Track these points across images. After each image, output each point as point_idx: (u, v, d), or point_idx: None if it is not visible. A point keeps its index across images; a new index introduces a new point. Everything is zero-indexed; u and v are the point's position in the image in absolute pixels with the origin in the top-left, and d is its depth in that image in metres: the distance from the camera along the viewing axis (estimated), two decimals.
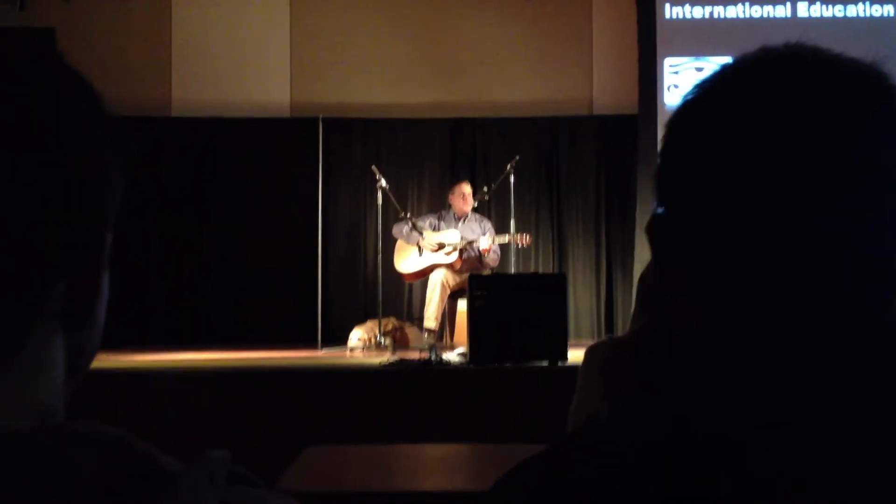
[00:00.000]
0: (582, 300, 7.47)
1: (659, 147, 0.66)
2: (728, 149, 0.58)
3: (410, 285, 7.15)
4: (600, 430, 0.61)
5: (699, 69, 7.21)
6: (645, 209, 7.03)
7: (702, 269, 0.61)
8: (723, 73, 0.63)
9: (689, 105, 0.63)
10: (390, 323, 6.31)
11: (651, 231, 0.65)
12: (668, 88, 7.25)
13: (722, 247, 0.59)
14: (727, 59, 0.65)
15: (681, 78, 7.24)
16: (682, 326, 0.63)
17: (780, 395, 0.55)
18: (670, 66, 7.26)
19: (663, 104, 7.22)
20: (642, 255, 7.01)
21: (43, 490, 0.44)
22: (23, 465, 0.44)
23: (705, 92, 0.63)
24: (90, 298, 0.55)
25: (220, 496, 0.48)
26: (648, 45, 7.21)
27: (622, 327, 7.33)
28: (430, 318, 5.92)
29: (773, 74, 0.60)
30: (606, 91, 7.68)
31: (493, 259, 6.08)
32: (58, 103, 0.52)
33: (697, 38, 7.14)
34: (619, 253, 7.55)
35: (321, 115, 7.33)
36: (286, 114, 7.65)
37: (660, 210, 0.65)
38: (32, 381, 0.51)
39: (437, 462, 2.86)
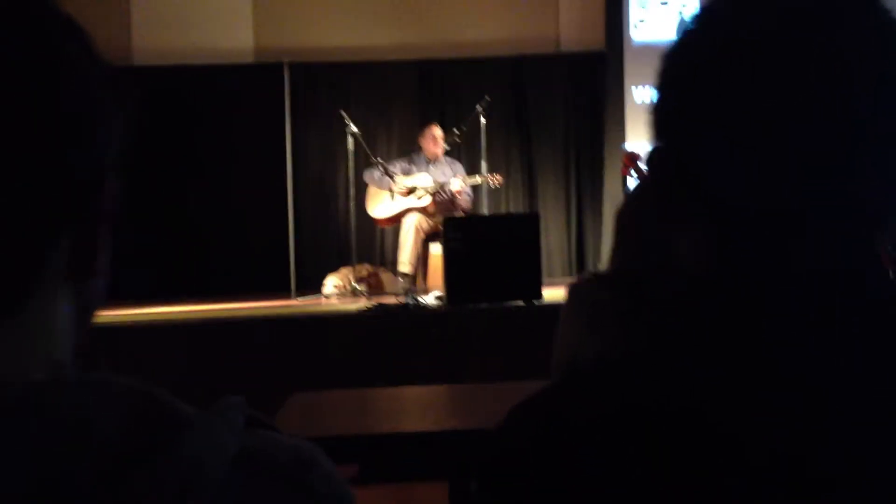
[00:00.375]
0: (553, 239, 7.51)
1: (655, 80, 0.64)
2: (735, 87, 0.57)
3: (383, 230, 7.14)
4: (594, 375, 0.60)
5: (664, 3, 7.17)
6: (612, 146, 7.05)
7: (707, 203, 0.60)
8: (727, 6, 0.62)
9: (689, 36, 0.62)
10: (364, 269, 6.31)
11: (652, 164, 0.64)
12: (635, 25, 7.21)
13: (727, 182, 0.58)
14: None
15: (647, 13, 7.20)
16: (687, 262, 0.63)
17: (780, 358, 0.54)
18: (637, 0, 7.21)
19: (630, 39, 7.18)
20: (611, 191, 7.04)
21: (68, 440, 0.44)
22: (46, 415, 0.44)
23: (708, 23, 0.61)
24: (94, 251, 0.54)
25: (240, 440, 0.48)
26: None
27: (593, 264, 7.40)
28: (405, 263, 5.93)
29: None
30: (573, 28, 7.62)
31: (465, 201, 6.08)
32: (57, 50, 0.51)
33: None
34: (589, 190, 7.58)
35: (286, 61, 7.20)
36: (250, 59, 7.51)
37: (657, 143, 0.64)
38: (41, 335, 0.51)
39: (419, 403, 2.90)
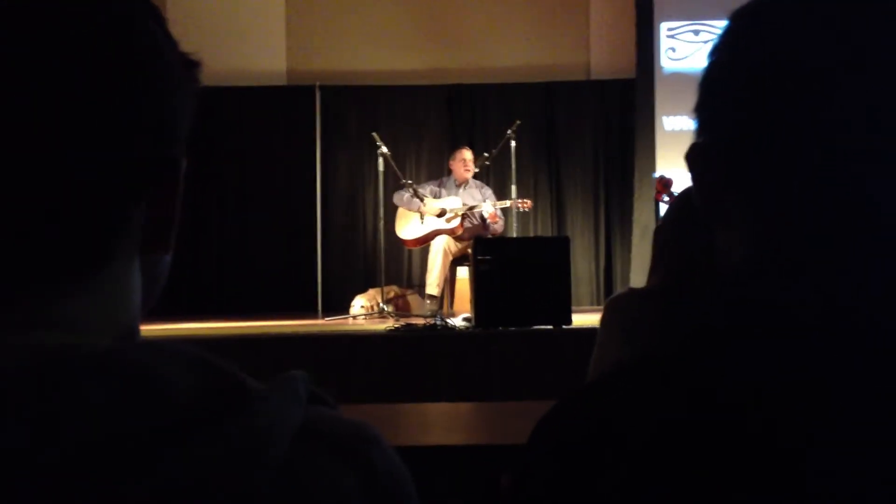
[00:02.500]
0: (581, 266, 7.47)
1: (701, 78, 0.65)
2: (778, 73, 0.58)
3: (410, 253, 7.15)
4: (636, 369, 0.59)
5: (696, 32, 7.18)
6: (643, 173, 7.03)
7: (749, 197, 0.60)
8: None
9: (727, 35, 0.62)
10: (392, 290, 6.32)
11: (691, 159, 0.64)
12: (666, 52, 7.22)
13: (769, 174, 0.58)
14: (724, 23, 0.64)
15: (678, 42, 7.21)
16: (727, 258, 0.63)
17: (813, 351, 0.53)
18: (668, 29, 7.23)
19: (660, 68, 7.19)
20: (641, 220, 7.01)
21: (144, 403, 0.44)
22: (119, 373, 0.45)
23: (748, 20, 0.61)
24: (167, 223, 0.56)
25: (304, 414, 0.49)
26: (645, 9, 7.18)
27: None
28: (433, 285, 5.92)
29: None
30: (603, 55, 7.65)
31: (500, 225, 6.07)
32: (138, 26, 0.53)
33: (694, 2, 7.09)
34: (618, 218, 7.56)
35: (318, 83, 7.29)
36: (283, 82, 7.60)
37: (698, 139, 0.64)
38: (114, 302, 0.53)
39: (444, 419, 2.88)
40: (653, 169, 6.90)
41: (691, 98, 0.64)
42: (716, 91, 0.62)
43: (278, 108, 7.42)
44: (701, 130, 0.63)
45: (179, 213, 0.57)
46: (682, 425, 0.52)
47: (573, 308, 4.79)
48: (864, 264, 0.55)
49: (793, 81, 0.57)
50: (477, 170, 6.27)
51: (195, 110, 0.58)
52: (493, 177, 6.98)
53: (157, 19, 0.55)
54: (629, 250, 7.21)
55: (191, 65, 0.58)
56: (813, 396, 0.51)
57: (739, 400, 0.52)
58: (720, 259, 0.64)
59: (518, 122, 6.05)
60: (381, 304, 5.94)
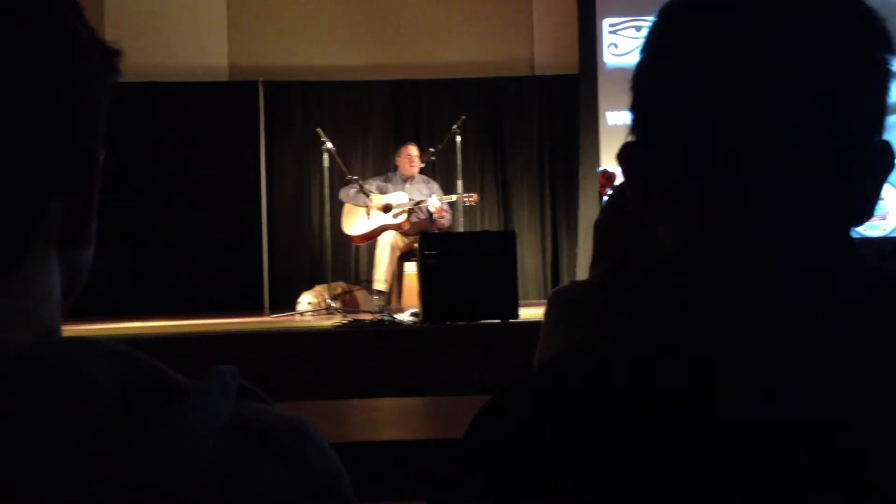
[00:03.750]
0: (528, 260, 7.51)
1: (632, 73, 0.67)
2: (689, 78, 0.60)
3: (357, 249, 7.12)
4: (571, 360, 0.60)
5: (638, 28, 7.28)
6: (587, 167, 7.10)
7: (674, 194, 0.62)
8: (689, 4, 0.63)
9: (655, 32, 0.64)
10: (339, 286, 6.29)
11: (623, 157, 0.66)
12: (608, 48, 7.31)
13: (688, 169, 0.60)
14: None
15: (619, 38, 7.30)
16: (660, 250, 0.65)
17: (752, 332, 0.55)
18: (609, 25, 7.31)
19: (603, 63, 7.27)
20: (586, 214, 7.08)
21: (68, 401, 0.43)
22: (44, 377, 0.43)
23: (670, 20, 0.63)
24: (85, 217, 0.54)
25: (233, 408, 0.48)
26: (587, 5, 7.24)
27: None
28: (380, 281, 5.91)
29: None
30: (547, 51, 7.70)
31: (446, 220, 6.09)
32: (49, 11, 0.51)
33: None
34: (564, 212, 7.62)
35: (261, 79, 7.21)
36: (225, 77, 7.51)
37: (630, 138, 0.66)
38: (32, 299, 0.51)
39: (393, 414, 2.89)
40: (597, 163, 6.98)
41: None
42: (643, 90, 0.64)
43: (221, 104, 7.31)
44: (632, 129, 0.65)
45: (97, 206, 0.55)
46: (618, 412, 0.53)
47: (521, 302, 4.82)
48: (772, 260, 0.58)
49: (714, 80, 0.59)
50: (423, 165, 6.27)
51: (115, 101, 0.56)
52: (439, 172, 6.98)
53: (72, 6, 0.53)
54: (576, 244, 7.28)
55: (110, 53, 0.55)
56: (736, 376, 0.53)
57: (675, 384, 0.54)
58: (655, 251, 0.66)
59: (463, 117, 6.07)
60: (328, 301, 5.91)
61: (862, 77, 0.58)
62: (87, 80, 0.52)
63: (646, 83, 0.64)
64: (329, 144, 5.93)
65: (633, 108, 0.65)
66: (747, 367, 0.53)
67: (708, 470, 0.51)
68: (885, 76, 0.59)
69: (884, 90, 0.59)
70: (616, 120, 7.12)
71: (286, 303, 6.41)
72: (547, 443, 0.55)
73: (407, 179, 6.21)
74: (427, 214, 6.05)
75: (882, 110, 0.59)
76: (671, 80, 0.61)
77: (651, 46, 0.64)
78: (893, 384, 0.52)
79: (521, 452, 0.56)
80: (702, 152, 0.59)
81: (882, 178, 0.60)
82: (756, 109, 0.57)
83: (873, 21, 0.59)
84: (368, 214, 6.05)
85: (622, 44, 7.29)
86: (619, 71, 7.13)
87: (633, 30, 7.27)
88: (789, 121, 0.57)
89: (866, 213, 0.60)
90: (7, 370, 0.43)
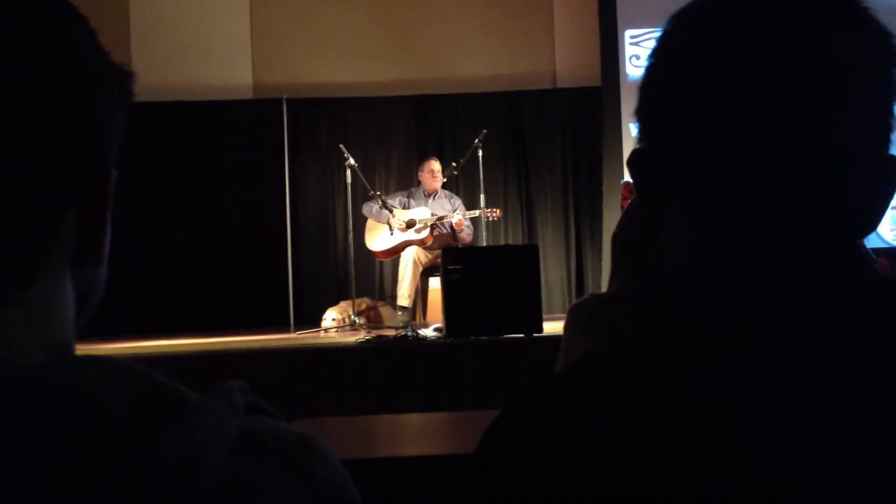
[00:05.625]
0: (552, 274, 7.48)
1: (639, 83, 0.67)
2: (697, 83, 0.60)
3: (381, 264, 7.14)
4: (598, 362, 0.61)
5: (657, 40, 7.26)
6: (611, 180, 7.08)
7: (686, 202, 0.62)
8: (699, 9, 0.63)
9: (663, 39, 0.64)
10: (364, 303, 6.30)
11: (632, 165, 0.66)
12: (630, 59, 7.29)
13: (700, 176, 0.60)
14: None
15: (641, 49, 7.29)
16: (674, 260, 0.64)
17: (770, 341, 0.55)
18: (631, 37, 7.30)
19: (626, 75, 7.26)
20: (610, 226, 7.05)
21: (78, 418, 0.44)
22: (53, 389, 0.44)
23: (679, 26, 0.63)
24: (98, 234, 0.55)
25: (241, 424, 0.48)
26: (609, 17, 7.24)
27: None
28: (404, 296, 5.92)
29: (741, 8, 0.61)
30: (569, 64, 7.70)
31: (466, 234, 6.09)
32: (63, 35, 0.52)
33: (657, 9, 7.15)
34: (588, 225, 7.59)
35: (285, 96, 7.27)
36: (249, 95, 7.57)
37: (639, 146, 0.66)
38: (46, 315, 0.51)
39: (417, 429, 2.88)
40: (620, 175, 6.95)
41: None
42: (653, 96, 0.64)
43: (245, 122, 7.38)
44: (642, 136, 0.65)
45: (110, 224, 0.56)
46: (625, 421, 0.53)
47: (545, 316, 4.79)
48: (785, 271, 0.57)
49: (725, 88, 0.59)
50: (445, 179, 6.28)
51: (127, 121, 0.57)
52: (462, 187, 6.99)
53: (84, 29, 0.54)
54: (600, 257, 7.25)
55: (123, 75, 0.57)
56: (745, 380, 0.53)
57: (684, 392, 0.53)
58: (669, 261, 0.65)
59: (485, 131, 6.07)
60: (352, 317, 5.92)
61: (864, 84, 0.58)
62: (98, 98, 0.53)
63: (657, 89, 0.64)
64: (352, 161, 5.96)
65: (640, 114, 0.65)
66: (749, 371, 0.53)
67: (714, 477, 0.50)
68: (891, 90, 0.58)
69: (888, 103, 0.58)
70: None
71: (311, 319, 6.43)
72: (554, 452, 0.55)
73: (430, 194, 6.22)
74: (449, 229, 6.06)
75: (887, 123, 0.59)
76: (683, 87, 0.61)
77: (662, 51, 0.64)
78: (892, 384, 0.52)
79: (528, 462, 0.56)
80: (703, 151, 0.59)
81: (888, 192, 0.60)
82: (756, 108, 0.58)
83: (887, 36, 0.59)
84: (391, 230, 6.06)
85: (644, 55, 7.27)
86: None
87: (654, 41, 7.25)
88: (790, 119, 0.57)
89: (871, 224, 0.60)
90: (18, 385, 0.43)
